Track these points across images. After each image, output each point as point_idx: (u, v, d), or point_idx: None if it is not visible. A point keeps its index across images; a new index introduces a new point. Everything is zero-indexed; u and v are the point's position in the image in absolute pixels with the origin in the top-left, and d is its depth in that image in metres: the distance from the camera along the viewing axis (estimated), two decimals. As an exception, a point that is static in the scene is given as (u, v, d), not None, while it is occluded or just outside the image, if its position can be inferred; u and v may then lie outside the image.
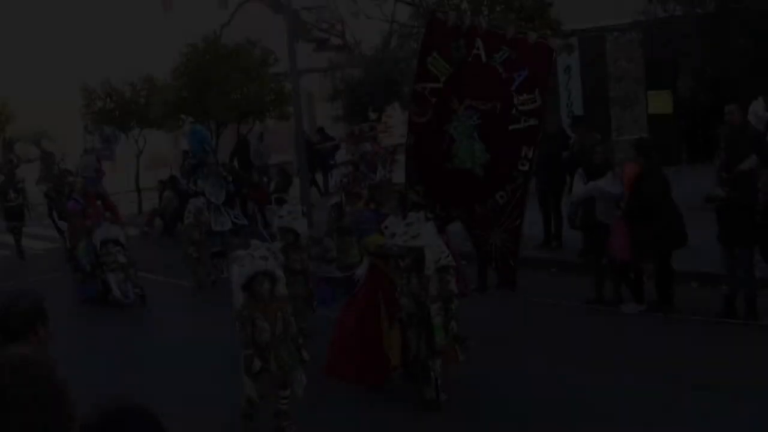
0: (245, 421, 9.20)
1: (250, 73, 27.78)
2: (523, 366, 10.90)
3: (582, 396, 9.81)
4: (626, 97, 27.49)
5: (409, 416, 9.61)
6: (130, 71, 32.58)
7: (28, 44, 54.39)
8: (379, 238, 9.90)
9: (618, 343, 11.07)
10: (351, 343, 10.29)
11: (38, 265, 22.80)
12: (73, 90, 34.58)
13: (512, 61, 9.67)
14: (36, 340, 5.01)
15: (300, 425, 9.21)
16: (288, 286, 9.60)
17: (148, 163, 34.87)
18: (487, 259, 10.63)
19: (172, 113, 28.91)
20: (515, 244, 10.27)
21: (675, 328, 12.25)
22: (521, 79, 9.64)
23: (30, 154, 36.72)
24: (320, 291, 12.58)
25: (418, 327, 9.60)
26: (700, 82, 17.08)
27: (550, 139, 17.16)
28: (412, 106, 10.45)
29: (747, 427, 8.83)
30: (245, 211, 24.18)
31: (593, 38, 27.49)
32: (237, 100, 27.63)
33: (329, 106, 30.13)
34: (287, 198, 23.88)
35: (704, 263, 14.26)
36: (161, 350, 13.48)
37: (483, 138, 9.95)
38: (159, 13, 58.43)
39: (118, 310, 16.51)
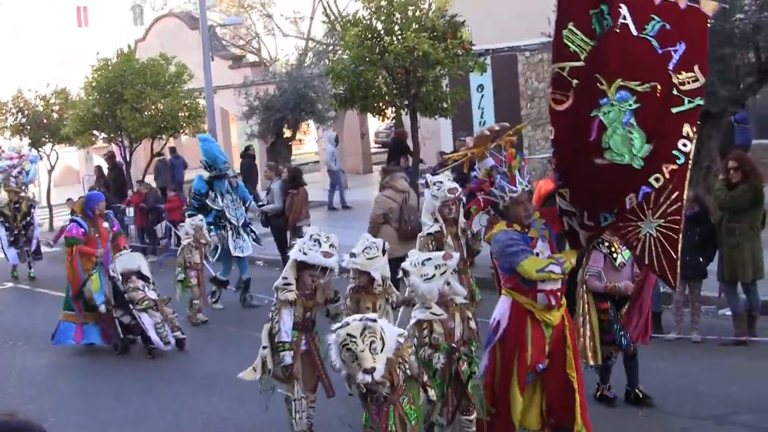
0: None
1: (164, 89, 27.68)
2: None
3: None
4: (538, 116, 27.96)
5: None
6: (43, 86, 32.28)
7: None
8: (538, 260, 8.12)
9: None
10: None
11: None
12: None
13: (666, 32, 7.82)
14: None
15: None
16: None
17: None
18: (640, 256, 8.44)
19: (85, 129, 28.66)
20: (677, 233, 8.24)
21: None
22: (679, 54, 7.86)
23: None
24: None
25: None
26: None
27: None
28: (550, 92, 8.22)
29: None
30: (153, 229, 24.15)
31: (506, 58, 27.97)
32: (151, 116, 27.50)
33: (244, 123, 30.14)
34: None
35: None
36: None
37: (641, 125, 7.92)
38: (74, 29, 58.02)
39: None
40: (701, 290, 12.57)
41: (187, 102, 28.49)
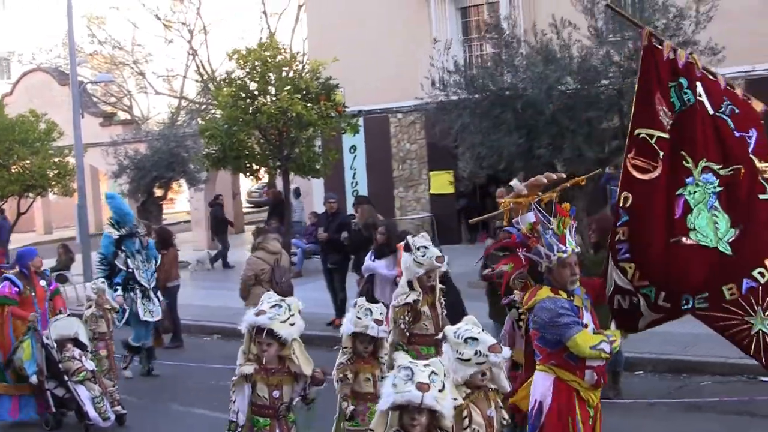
0: None
1: (33, 147, 27.12)
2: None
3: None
4: (409, 178, 28.25)
5: None
6: None
7: None
8: (591, 335, 7.17)
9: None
10: None
11: None
12: None
13: (737, 117, 7.43)
14: None
15: None
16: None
17: None
18: (756, 356, 7.67)
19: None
20: None
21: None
22: (754, 140, 7.45)
23: None
24: None
25: None
26: (477, 164, 17.76)
27: (334, 219, 17.54)
28: (631, 157, 7.43)
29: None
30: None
31: (378, 119, 28.24)
32: (19, 174, 26.90)
33: (114, 181, 29.72)
34: (68, 276, 23.29)
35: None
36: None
37: (725, 209, 7.41)
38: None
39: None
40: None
41: (56, 160, 27.98)
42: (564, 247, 7.15)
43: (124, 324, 14.91)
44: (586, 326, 7.12)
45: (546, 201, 7.22)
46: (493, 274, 12.46)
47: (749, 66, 21.12)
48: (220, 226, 28.49)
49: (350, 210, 22.18)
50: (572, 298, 7.24)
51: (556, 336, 7.12)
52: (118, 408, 12.40)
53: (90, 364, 12.21)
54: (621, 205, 7.46)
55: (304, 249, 24.59)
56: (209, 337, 18.46)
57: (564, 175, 7.50)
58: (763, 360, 7.53)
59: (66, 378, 12.01)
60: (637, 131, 7.36)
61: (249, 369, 7.57)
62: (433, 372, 6.02)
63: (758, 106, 7.56)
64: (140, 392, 13.91)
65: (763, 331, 7.44)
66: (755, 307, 7.40)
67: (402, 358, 6.28)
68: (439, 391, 5.94)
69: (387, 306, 10.02)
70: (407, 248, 10.60)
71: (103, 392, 12.15)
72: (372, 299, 13.79)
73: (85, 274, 22.87)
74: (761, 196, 7.43)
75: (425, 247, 10.45)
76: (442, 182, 27.28)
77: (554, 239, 7.17)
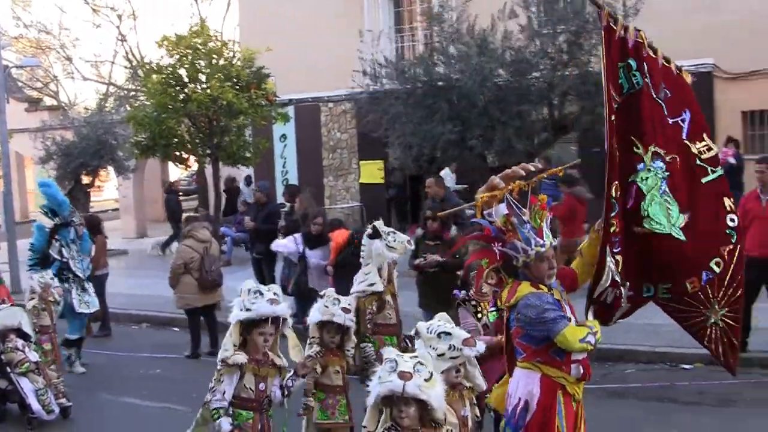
0: None
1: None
2: None
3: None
4: (339, 167, 28.28)
5: None
6: None
7: None
8: (577, 328, 6.80)
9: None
10: None
11: None
12: None
13: (670, 100, 7.32)
14: None
15: None
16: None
17: None
18: (708, 346, 7.62)
19: None
20: (738, 321, 7.58)
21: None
22: (687, 123, 7.37)
23: None
24: None
25: None
26: (408, 154, 17.86)
27: (262, 208, 17.51)
28: (616, 147, 7.14)
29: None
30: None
31: (309, 108, 28.22)
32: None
33: (40, 168, 29.35)
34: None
35: (409, 326, 14.81)
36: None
37: (673, 195, 7.29)
38: None
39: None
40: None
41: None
42: (542, 241, 6.82)
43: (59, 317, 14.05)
44: (569, 319, 6.83)
45: (517, 190, 6.80)
46: (426, 264, 12.68)
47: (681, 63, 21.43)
48: (176, 213, 28.14)
49: (281, 199, 22.16)
50: (552, 291, 6.91)
51: (543, 332, 6.80)
52: (63, 400, 12.02)
53: (33, 356, 11.80)
54: (612, 195, 7.13)
55: (233, 237, 24.53)
56: (137, 325, 18.32)
57: (540, 166, 7.26)
58: (713, 349, 7.55)
59: (8, 369, 11.64)
60: (609, 118, 7.06)
61: (242, 358, 7.41)
62: (419, 362, 5.94)
63: (687, 77, 7.53)
64: (68, 382, 13.73)
65: (715, 324, 7.44)
66: (711, 299, 7.39)
67: (389, 351, 6.17)
68: (426, 380, 5.86)
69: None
70: (376, 234, 10.55)
71: (47, 384, 11.77)
72: (306, 289, 13.90)
73: (10, 262, 22.52)
74: (704, 180, 7.38)
75: (394, 232, 10.56)
76: (371, 172, 27.35)
77: (532, 233, 6.81)
